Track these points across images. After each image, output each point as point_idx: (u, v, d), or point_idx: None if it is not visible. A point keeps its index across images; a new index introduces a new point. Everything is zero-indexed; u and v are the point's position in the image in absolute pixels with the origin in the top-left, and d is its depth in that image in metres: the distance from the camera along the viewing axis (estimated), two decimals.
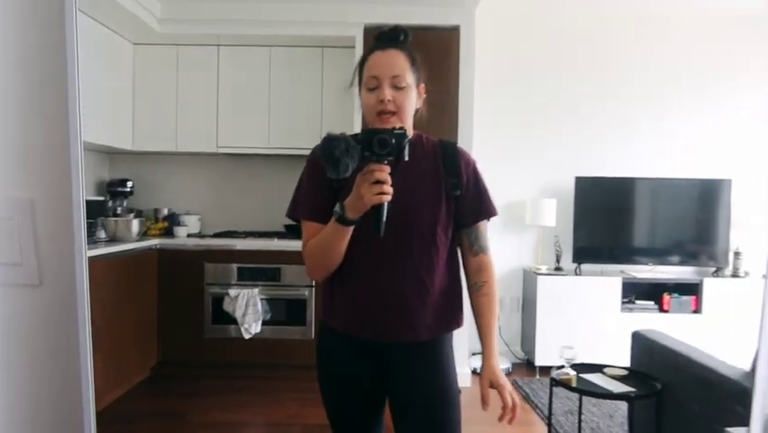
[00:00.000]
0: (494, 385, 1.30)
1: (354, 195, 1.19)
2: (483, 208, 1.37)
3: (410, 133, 1.34)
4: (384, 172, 1.16)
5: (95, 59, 3.37)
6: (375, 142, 1.16)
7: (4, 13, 0.70)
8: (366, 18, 3.42)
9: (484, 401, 1.29)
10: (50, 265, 0.71)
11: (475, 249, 1.37)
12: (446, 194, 1.33)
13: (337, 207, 1.22)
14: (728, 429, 1.35)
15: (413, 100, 1.31)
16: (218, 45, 3.75)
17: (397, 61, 1.28)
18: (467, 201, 1.35)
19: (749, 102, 4.06)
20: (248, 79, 3.75)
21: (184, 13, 3.54)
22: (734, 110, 4.08)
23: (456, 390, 1.39)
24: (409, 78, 1.29)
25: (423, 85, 1.36)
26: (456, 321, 1.39)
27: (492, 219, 1.42)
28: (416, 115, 1.35)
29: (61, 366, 0.71)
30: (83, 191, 0.68)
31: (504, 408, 1.28)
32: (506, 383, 1.30)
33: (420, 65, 1.34)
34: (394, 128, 1.20)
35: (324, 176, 1.20)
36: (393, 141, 1.16)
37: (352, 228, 1.23)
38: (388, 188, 1.17)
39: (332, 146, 1.14)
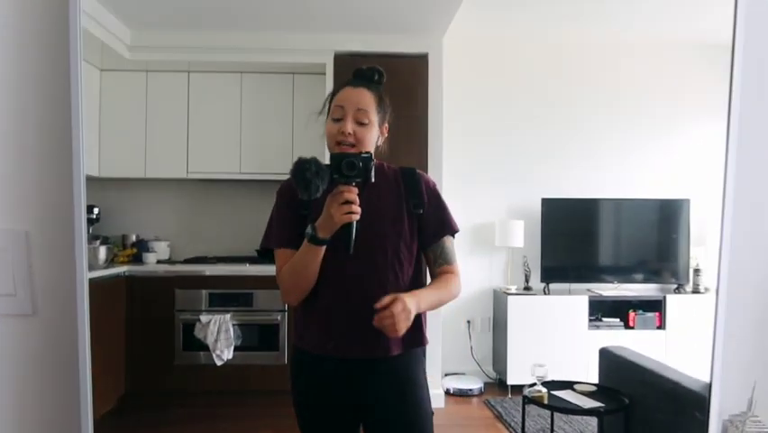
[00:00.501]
0: (397, 298, 1.26)
1: (325, 215, 1.27)
2: (445, 225, 1.44)
3: None
4: (352, 193, 1.25)
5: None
6: (343, 165, 1.24)
7: (4, 50, 0.72)
8: (336, 46, 3.48)
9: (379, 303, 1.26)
10: (43, 295, 0.73)
11: (439, 262, 1.43)
12: (408, 212, 1.39)
13: (309, 229, 1.29)
14: None
15: (374, 136, 1.39)
16: (188, 72, 3.76)
17: (364, 98, 1.37)
18: (429, 219, 1.42)
19: (705, 127, 4.24)
20: (219, 105, 3.76)
21: (154, 41, 3.55)
22: (692, 134, 4.26)
23: (429, 411, 1.42)
24: (373, 117, 1.37)
25: (386, 125, 1.43)
26: (422, 336, 1.43)
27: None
28: (376, 151, 1.42)
29: (54, 393, 0.71)
30: (85, 223, 0.70)
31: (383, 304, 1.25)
32: (405, 297, 1.26)
33: (387, 106, 1.42)
34: (360, 152, 1.27)
35: (293, 204, 1.30)
36: (360, 164, 1.24)
37: (323, 248, 1.30)
38: (357, 208, 1.25)
39: (303, 168, 1.21)
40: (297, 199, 1.26)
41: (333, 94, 1.41)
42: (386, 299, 1.25)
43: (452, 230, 1.45)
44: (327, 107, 1.42)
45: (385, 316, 1.24)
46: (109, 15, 3.30)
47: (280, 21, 3.37)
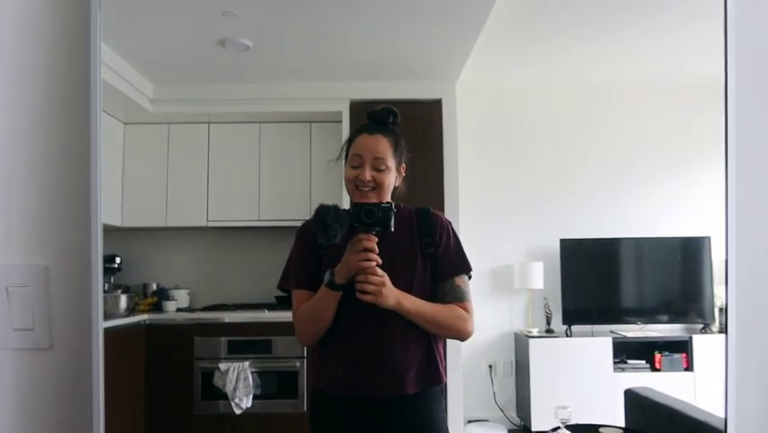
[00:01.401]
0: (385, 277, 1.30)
1: (344, 262, 1.31)
2: (457, 263, 1.45)
3: (386, 200, 1.43)
4: (371, 242, 1.30)
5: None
6: (363, 213, 1.28)
7: (30, 89, 0.76)
8: (352, 94, 3.57)
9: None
10: (61, 330, 0.75)
11: (448, 298, 1.43)
12: (421, 252, 1.41)
13: (328, 274, 1.34)
14: None
15: (392, 180, 1.43)
16: (209, 123, 3.87)
17: (380, 146, 1.41)
18: (442, 258, 1.43)
19: (722, 164, 4.23)
20: (238, 154, 3.85)
21: (176, 94, 3.68)
22: (709, 172, 4.23)
23: None
24: (390, 162, 1.41)
25: (404, 165, 1.47)
26: (439, 374, 1.42)
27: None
28: (394, 191, 1.45)
29: (69, 426, 0.72)
30: (101, 259, 0.73)
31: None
32: (391, 286, 1.30)
33: (403, 147, 1.46)
34: (381, 202, 1.31)
35: (310, 247, 1.35)
36: (380, 213, 1.27)
37: (340, 293, 1.34)
38: (375, 256, 1.30)
39: (323, 214, 1.26)
40: (314, 241, 1.30)
41: (351, 140, 1.46)
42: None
43: (465, 269, 1.45)
44: (345, 153, 1.46)
45: (366, 279, 1.28)
46: (133, 71, 3.44)
47: (297, 71, 3.48)
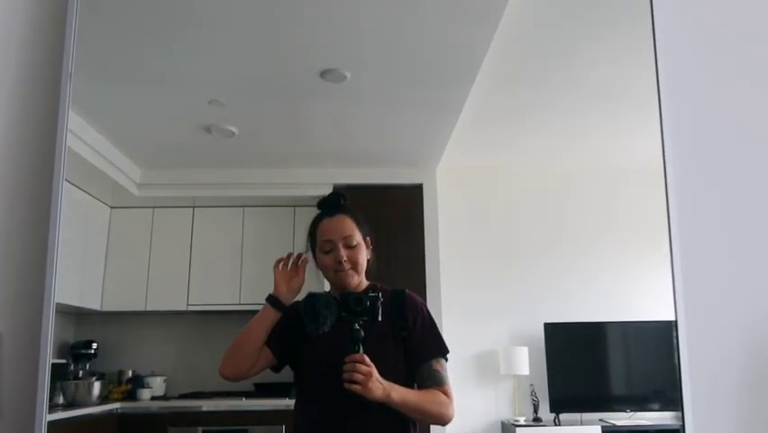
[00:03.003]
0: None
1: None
2: (433, 347, 1.44)
3: (364, 283, 1.46)
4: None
5: (70, 225, 3.47)
6: (351, 301, 1.31)
7: None
8: (334, 179, 3.64)
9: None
10: (10, 397, 0.73)
11: (427, 384, 1.41)
12: (394, 335, 1.41)
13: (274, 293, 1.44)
14: None
15: (364, 254, 1.48)
16: (193, 207, 3.92)
17: (345, 224, 1.47)
18: (416, 341, 1.43)
19: None
20: (221, 238, 3.87)
21: (162, 178, 3.74)
22: None
23: None
24: (358, 237, 1.47)
25: (368, 238, 1.51)
26: None
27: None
28: (368, 265, 1.49)
29: None
30: (52, 326, 0.72)
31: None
32: (378, 377, 1.28)
33: (362, 221, 1.52)
34: (368, 291, 1.35)
35: (293, 324, 1.36)
36: (368, 302, 1.30)
37: (277, 315, 1.44)
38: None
39: (313, 302, 1.29)
40: (298, 321, 1.33)
41: (313, 231, 1.50)
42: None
43: (442, 352, 1.44)
44: (311, 243, 1.51)
45: (354, 369, 1.29)
46: (122, 156, 3.52)
47: (281, 157, 3.58)
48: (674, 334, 3.88)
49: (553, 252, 4.23)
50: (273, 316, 1.39)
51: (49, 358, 0.74)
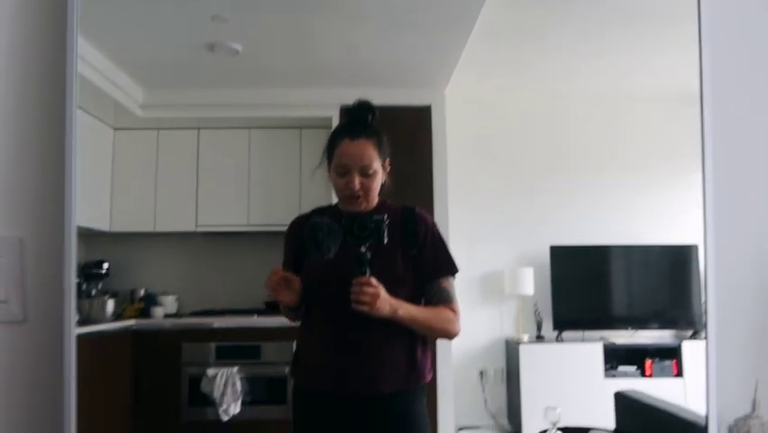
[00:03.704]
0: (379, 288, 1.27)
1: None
2: (442, 265, 1.43)
3: (375, 201, 1.42)
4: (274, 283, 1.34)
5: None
6: (355, 226, 1.27)
7: (5, 64, 0.76)
8: (342, 99, 3.53)
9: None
10: (35, 302, 0.74)
11: (435, 301, 1.41)
12: (402, 252, 1.39)
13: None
14: None
15: (379, 180, 1.42)
16: (198, 128, 3.87)
17: (365, 152, 1.39)
18: (425, 259, 1.42)
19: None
20: (227, 160, 3.85)
21: (165, 99, 3.67)
22: (695, 180, 4.26)
23: None
24: (376, 165, 1.40)
25: (388, 159, 1.45)
26: (418, 376, 1.40)
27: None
28: (382, 187, 1.44)
29: (43, 400, 0.71)
30: (74, 232, 0.72)
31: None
32: (385, 296, 1.27)
33: (386, 144, 1.45)
34: (373, 213, 1.31)
35: (292, 241, 1.35)
36: (372, 225, 1.26)
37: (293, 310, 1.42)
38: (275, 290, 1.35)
39: (316, 229, 1.25)
40: (296, 241, 1.33)
41: (332, 145, 1.43)
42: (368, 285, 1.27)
43: (451, 271, 1.44)
44: (327, 157, 1.44)
45: (361, 291, 1.26)
46: (124, 75, 3.44)
47: (287, 76, 3.49)
48: (696, 259, 3.93)
49: (560, 176, 4.21)
50: (293, 310, 1.38)
51: (74, 261, 0.74)
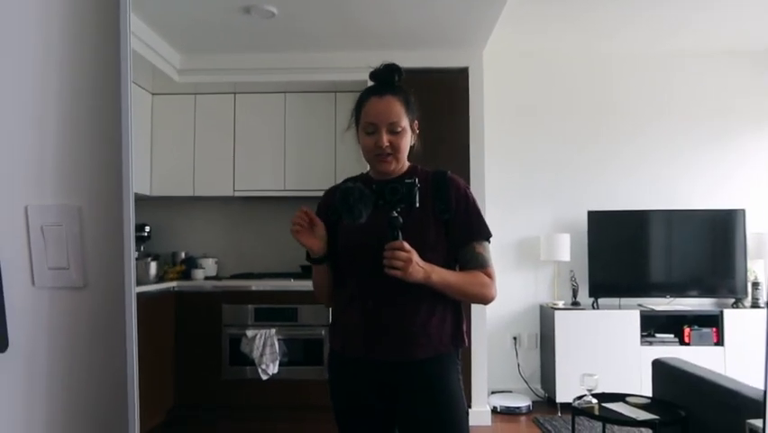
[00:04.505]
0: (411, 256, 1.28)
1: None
2: (475, 229, 1.42)
3: (405, 166, 1.41)
4: (297, 217, 1.37)
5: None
6: (387, 190, 1.26)
7: (59, 37, 0.76)
8: (376, 62, 3.52)
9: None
10: (95, 269, 0.76)
11: (470, 266, 1.40)
12: (434, 218, 1.38)
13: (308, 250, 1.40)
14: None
15: (408, 140, 1.41)
16: (234, 93, 3.88)
17: (393, 108, 1.37)
18: (458, 224, 1.40)
19: (758, 134, 4.10)
20: (263, 125, 3.86)
21: (202, 64, 3.68)
22: (744, 142, 4.12)
23: (463, 410, 1.39)
24: (404, 123, 1.38)
25: (416, 121, 1.43)
26: (452, 341, 1.40)
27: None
28: (411, 150, 1.43)
29: (104, 363, 0.74)
30: (132, 199, 0.73)
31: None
32: (418, 260, 1.28)
33: (414, 103, 1.43)
34: (404, 178, 1.29)
35: (323, 216, 1.35)
36: (404, 190, 1.25)
37: (324, 265, 1.42)
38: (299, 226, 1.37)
39: (347, 194, 1.25)
40: (328, 211, 1.33)
41: (360, 106, 1.42)
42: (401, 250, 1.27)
43: (484, 235, 1.42)
44: (355, 118, 1.43)
45: (393, 256, 1.26)
46: (161, 41, 3.46)
47: (322, 39, 3.46)
48: (742, 224, 3.80)
49: (600, 138, 4.11)
50: (323, 268, 1.38)
51: (132, 228, 0.76)
